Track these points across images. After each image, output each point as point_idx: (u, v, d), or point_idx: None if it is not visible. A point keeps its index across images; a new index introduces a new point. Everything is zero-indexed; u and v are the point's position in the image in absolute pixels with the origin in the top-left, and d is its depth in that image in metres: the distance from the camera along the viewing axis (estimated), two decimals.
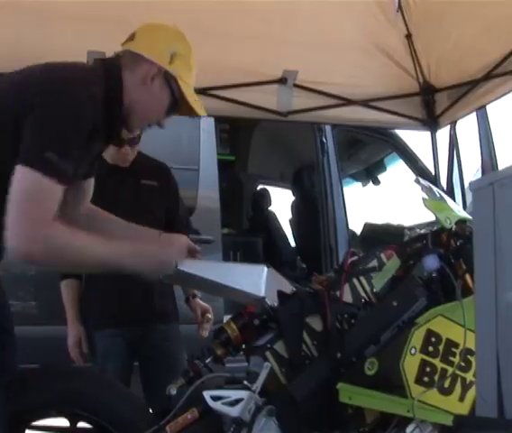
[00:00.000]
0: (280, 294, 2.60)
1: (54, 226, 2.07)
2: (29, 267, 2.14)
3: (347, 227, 5.74)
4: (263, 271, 2.56)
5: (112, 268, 2.25)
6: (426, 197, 2.77)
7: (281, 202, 7.97)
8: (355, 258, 2.79)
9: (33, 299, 4.42)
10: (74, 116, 2.09)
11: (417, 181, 2.85)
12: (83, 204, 2.59)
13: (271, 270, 2.59)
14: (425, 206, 2.71)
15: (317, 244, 5.68)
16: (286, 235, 7.26)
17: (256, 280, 2.54)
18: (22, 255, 2.06)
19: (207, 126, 5.06)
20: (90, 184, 2.59)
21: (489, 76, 4.17)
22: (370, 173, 7.23)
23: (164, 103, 2.37)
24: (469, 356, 2.47)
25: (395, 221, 5.25)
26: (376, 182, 7.21)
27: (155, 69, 2.29)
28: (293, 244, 7.21)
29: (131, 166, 3.52)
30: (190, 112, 2.45)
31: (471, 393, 2.44)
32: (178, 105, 2.41)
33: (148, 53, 2.30)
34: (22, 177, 2.02)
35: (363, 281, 2.69)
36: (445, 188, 5.32)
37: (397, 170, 6.82)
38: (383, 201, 8.10)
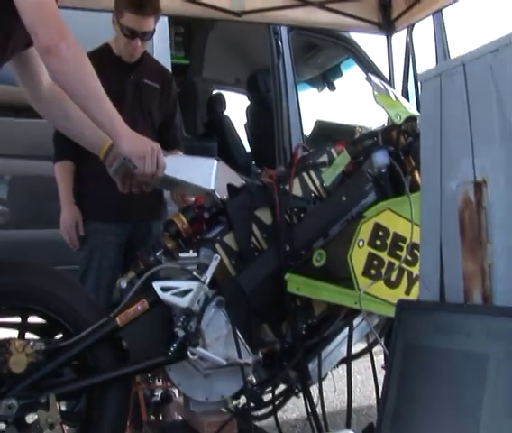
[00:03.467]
0: (230, 187, 2.61)
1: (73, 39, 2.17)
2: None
3: (302, 132, 5.71)
4: (213, 164, 2.56)
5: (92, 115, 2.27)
6: (377, 93, 2.76)
7: (236, 106, 7.91)
8: (305, 153, 2.80)
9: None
10: None
11: (369, 79, 2.83)
12: (43, 77, 2.51)
13: (221, 163, 2.59)
14: (377, 101, 2.71)
15: (272, 148, 5.66)
16: (241, 140, 7.21)
17: (206, 173, 2.54)
18: (51, 46, 2.10)
19: (161, 29, 4.93)
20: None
21: None
22: (325, 78, 7.19)
23: None
24: (415, 251, 2.52)
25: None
26: (331, 88, 7.17)
27: None
28: (248, 148, 7.18)
29: (135, 62, 3.42)
30: None
31: (417, 287, 2.48)
32: None
33: None
34: None
35: (313, 175, 2.70)
36: (401, 93, 5.32)
37: (352, 76, 6.79)
38: (339, 107, 8.08)
